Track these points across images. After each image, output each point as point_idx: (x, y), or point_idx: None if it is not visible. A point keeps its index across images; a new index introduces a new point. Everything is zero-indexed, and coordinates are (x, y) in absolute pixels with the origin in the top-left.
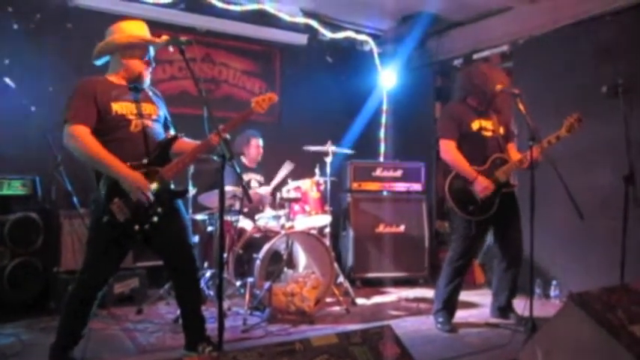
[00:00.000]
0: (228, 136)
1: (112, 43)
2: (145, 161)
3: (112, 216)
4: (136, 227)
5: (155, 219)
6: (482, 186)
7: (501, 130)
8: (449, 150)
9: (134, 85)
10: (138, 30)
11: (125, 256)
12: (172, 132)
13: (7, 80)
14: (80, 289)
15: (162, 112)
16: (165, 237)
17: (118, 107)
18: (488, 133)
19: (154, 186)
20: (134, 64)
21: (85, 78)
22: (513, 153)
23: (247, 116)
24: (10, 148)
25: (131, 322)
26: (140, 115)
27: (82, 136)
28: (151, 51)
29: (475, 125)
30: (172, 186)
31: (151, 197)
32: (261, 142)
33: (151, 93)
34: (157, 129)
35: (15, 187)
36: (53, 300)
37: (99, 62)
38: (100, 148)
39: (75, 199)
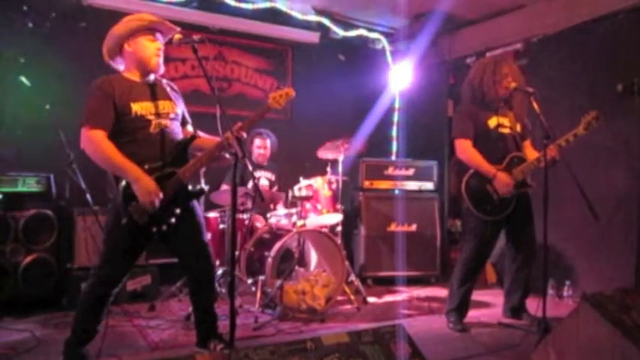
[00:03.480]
0: (245, 135)
1: (114, 33)
2: (162, 163)
3: (131, 218)
4: (154, 229)
5: (173, 220)
6: (503, 182)
7: (518, 127)
8: (465, 149)
9: (149, 76)
10: (139, 16)
11: (141, 255)
12: (190, 129)
13: (23, 79)
14: (95, 285)
15: (180, 109)
16: (181, 236)
17: (138, 107)
18: (506, 130)
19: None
20: (142, 48)
21: (102, 78)
22: (529, 151)
23: (264, 113)
24: (25, 145)
25: (143, 319)
26: (159, 114)
27: (97, 140)
28: (160, 38)
29: (492, 122)
30: (190, 187)
31: (157, 204)
32: (268, 142)
33: (168, 89)
34: (176, 128)
35: (30, 185)
36: (66, 296)
37: (114, 64)
38: (116, 153)
39: (88, 197)
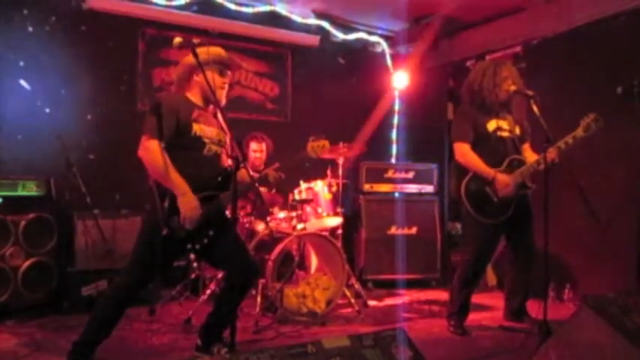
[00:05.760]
0: (283, 176)
1: (186, 62)
2: (208, 185)
3: (171, 230)
4: (189, 246)
5: (205, 241)
6: (502, 183)
7: (517, 130)
8: (464, 152)
9: (209, 105)
10: (213, 50)
11: (169, 267)
12: (229, 161)
13: (22, 82)
14: (120, 290)
15: (228, 140)
16: (221, 251)
17: (198, 129)
18: (505, 134)
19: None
20: (210, 80)
21: (169, 93)
22: (529, 153)
23: (301, 160)
24: (24, 149)
25: (143, 323)
26: (214, 141)
27: (154, 150)
28: (227, 73)
29: (491, 126)
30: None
31: (194, 223)
32: (264, 146)
33: (222, 119)
34: (224, 156)
35: (29, 188)
36: (66, 300)
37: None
38: (169, 165)
39: (88, 200)
